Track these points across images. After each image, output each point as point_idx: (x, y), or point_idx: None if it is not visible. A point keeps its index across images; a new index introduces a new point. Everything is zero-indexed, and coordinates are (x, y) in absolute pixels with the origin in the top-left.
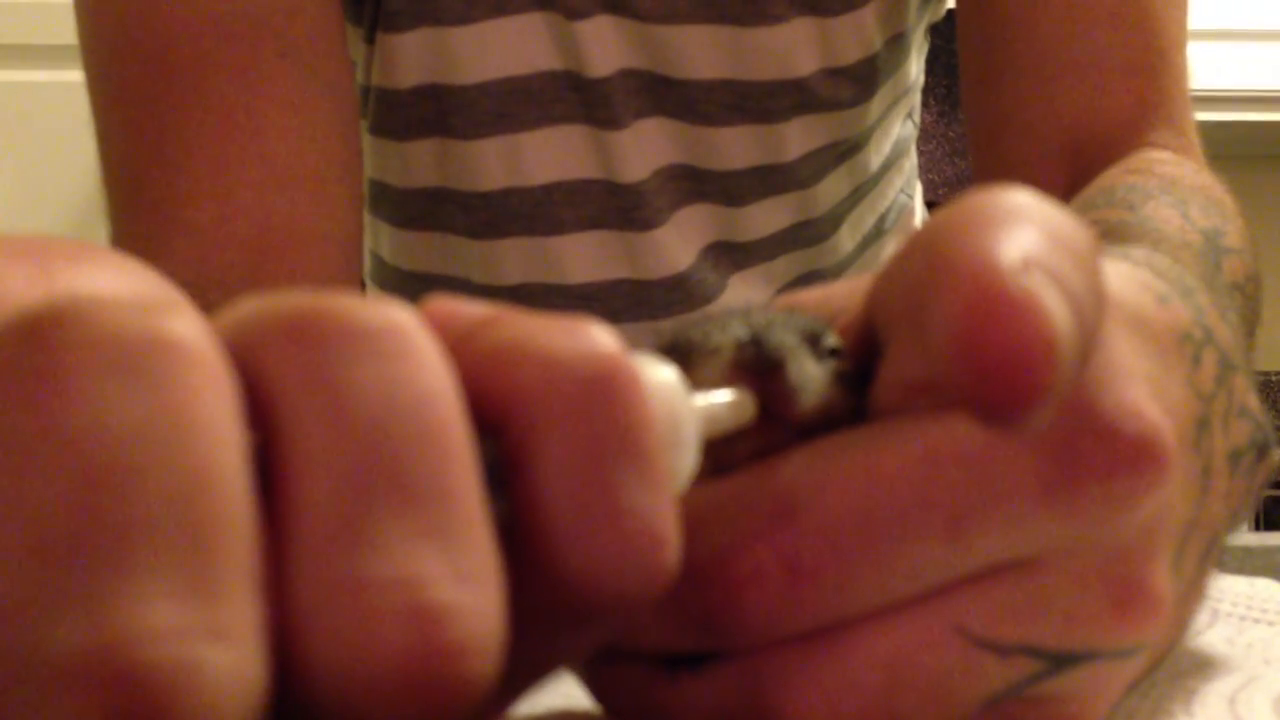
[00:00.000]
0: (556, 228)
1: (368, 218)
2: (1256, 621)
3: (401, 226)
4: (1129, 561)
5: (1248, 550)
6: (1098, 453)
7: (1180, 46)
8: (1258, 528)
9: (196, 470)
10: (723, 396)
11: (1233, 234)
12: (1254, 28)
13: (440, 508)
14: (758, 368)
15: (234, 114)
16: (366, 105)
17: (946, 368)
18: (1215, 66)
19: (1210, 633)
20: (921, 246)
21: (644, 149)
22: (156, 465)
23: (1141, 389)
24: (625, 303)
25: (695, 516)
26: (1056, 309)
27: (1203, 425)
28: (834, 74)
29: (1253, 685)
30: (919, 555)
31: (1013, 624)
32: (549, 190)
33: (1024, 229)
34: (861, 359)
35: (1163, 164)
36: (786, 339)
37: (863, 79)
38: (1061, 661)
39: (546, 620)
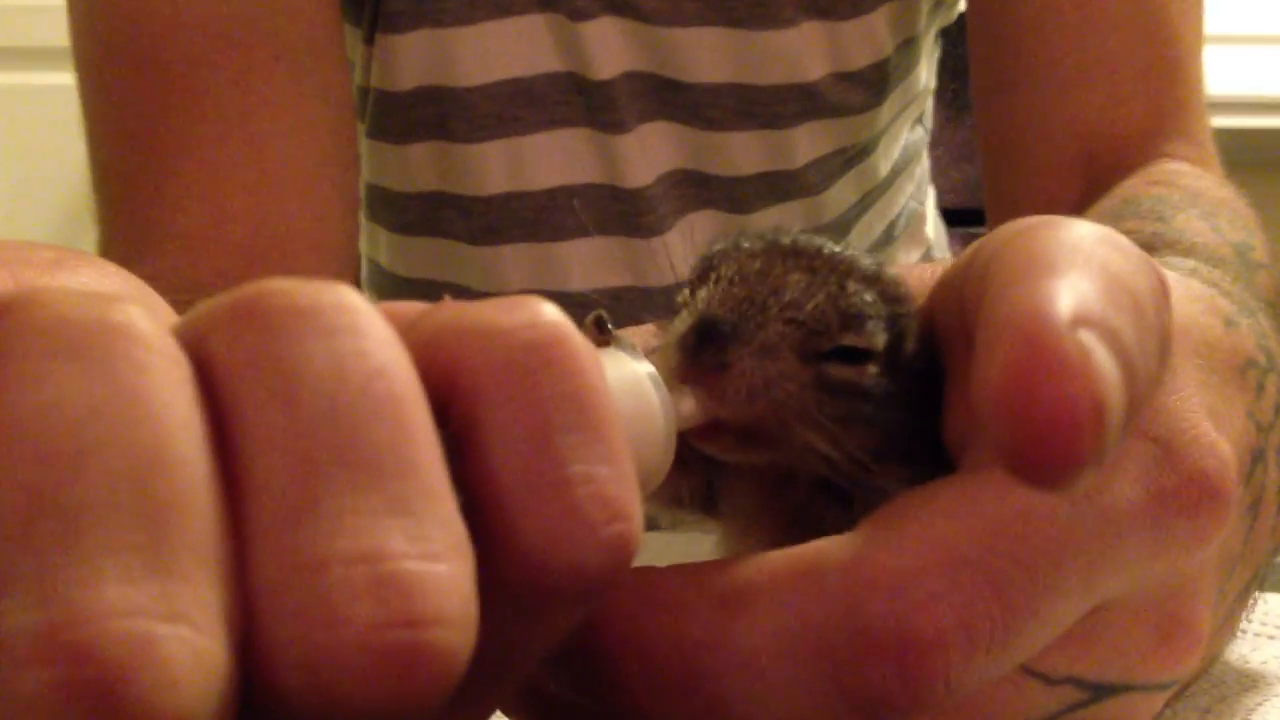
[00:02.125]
0: (558, 233)
1: (365, 223)
2: (1271, 639)
3: (400, 232)
4: (1180, 597)
5: None
6: (1185, 491)
7: (1196, 54)
8: None
9: (149, 451)
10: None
11: (1260, 248)
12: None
13: (400, 481)
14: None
15: (227, 117)
16: (365, 108)
17: (992, 425)
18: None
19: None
20: (977, 275)
21: (648, 153)
22: (108, 445)
23: (1212, 423)
24: (628, 310)
25: (808, 585)
26: (1107, 370)
27: (1258, 458)
28: (844, 79)
29: (1269, 704)
30: (1064, 605)
31: (1064, 655)
32: (551, 195)
33: (1080, 276)
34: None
35: (1184, 175)
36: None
37: (873, 84)
38: (1103, 692)
39: (511, 600)
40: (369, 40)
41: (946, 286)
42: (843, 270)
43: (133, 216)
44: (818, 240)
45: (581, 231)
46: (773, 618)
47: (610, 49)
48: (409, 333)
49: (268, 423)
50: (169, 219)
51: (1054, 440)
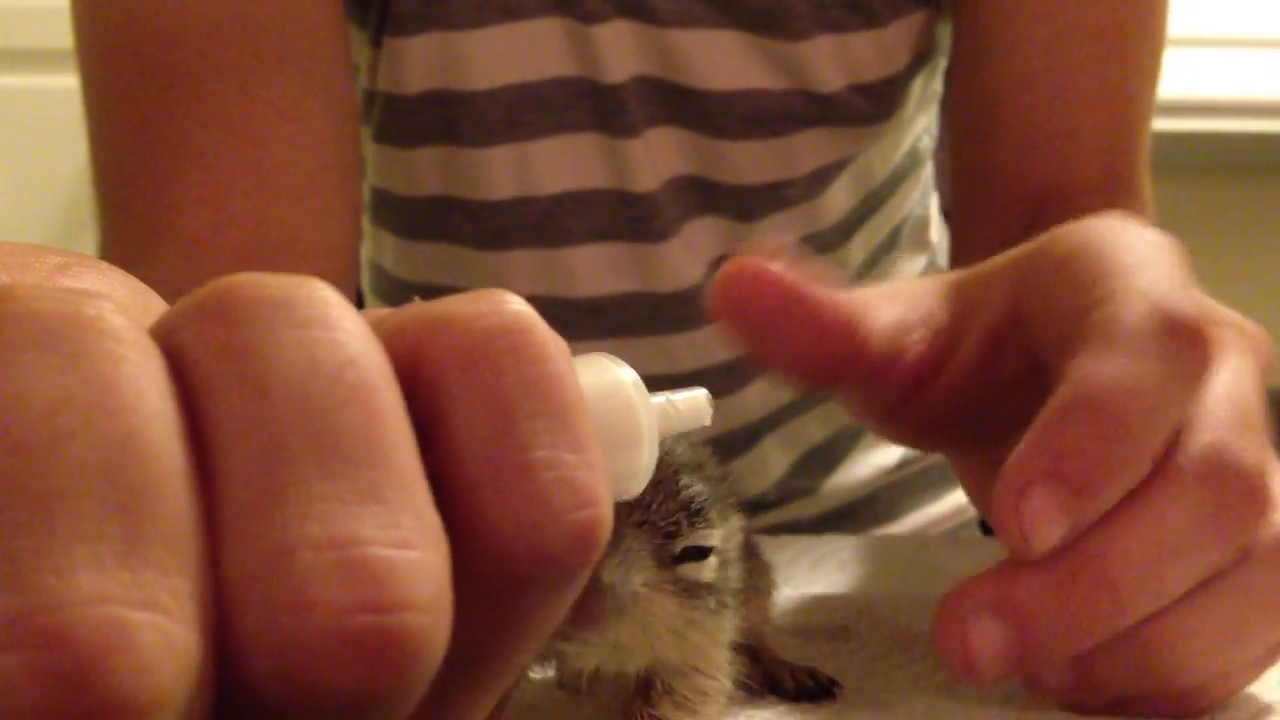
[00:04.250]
0: (566, 239)
1: (370, 227)
2: None
3: (405, 236)
4: None
5: None
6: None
7: (1148, 117)
8: None
9: (121, 440)
10: (681, 395)
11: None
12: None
13: (372, 469)
14: None
15: (231, 120)
16: (371, 111)
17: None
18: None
19: None
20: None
21: (656, 158)
22: (79, 435)
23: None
24: (635, 316)
25: None
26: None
27: None
28: (857, 91)
29: (1269, 716)
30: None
31: None
32: (559, 200)
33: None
34: (938, 358)
35: (1117, 217)
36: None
37: (885, 98)
38: None
39: (480, 588)
40: (376, 43)
41: (1041, 296)
42: (669, 462)
43: (133, 219)
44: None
45: (589, 237)
46: None
47: (622, 52)
48: (377, 328)
49: (238, 411)
50: (169, 222)
51: None
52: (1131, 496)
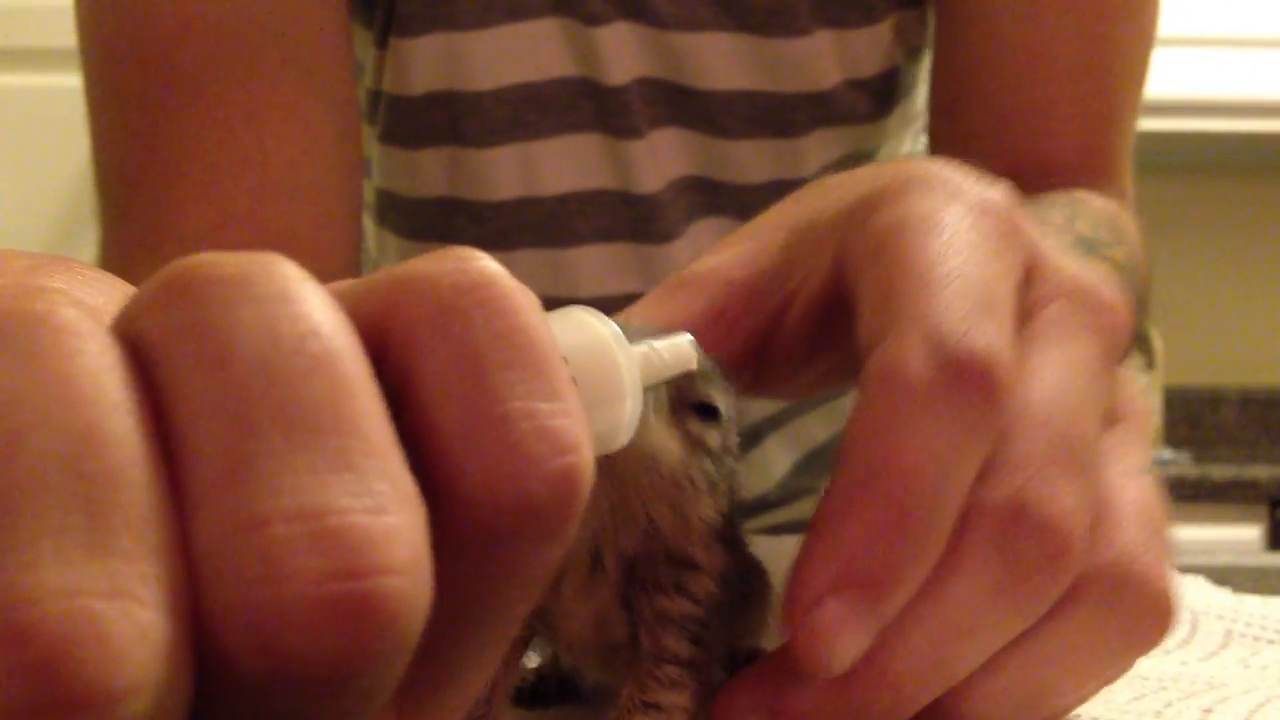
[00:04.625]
0: (570, 240)
1: (374, 228)
2: (1271, 643)
3: (409, 237)
4: None
5: (1262, 571)
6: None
7: (1133, 101)
8: (1274, 548)
9: (80, 432)
10: (664, 342)
11: (1119, 250)
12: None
13: (340, 437)
14: None
15: (233, 120)
16: (376, 112)
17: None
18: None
19: (1225, 654)
20: (862, 245)
21: (660, 159)
22: (37, 430)
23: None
24: None
25: None
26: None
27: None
28: (855, 86)
29: (1269, 705)
30: None
31: None
32: (563, 201)
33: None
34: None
35: (1082, 192)
36: None
37: (882, 93)
38: None
39: (465, 547)
40: (381, 43)
41: (851, 240)
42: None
43: (134, 217)
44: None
45: (593, 238)
46: None
47: (624, 54)
48: (344, 297)
49: (199, 389)
50: (170, 220)
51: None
52: None
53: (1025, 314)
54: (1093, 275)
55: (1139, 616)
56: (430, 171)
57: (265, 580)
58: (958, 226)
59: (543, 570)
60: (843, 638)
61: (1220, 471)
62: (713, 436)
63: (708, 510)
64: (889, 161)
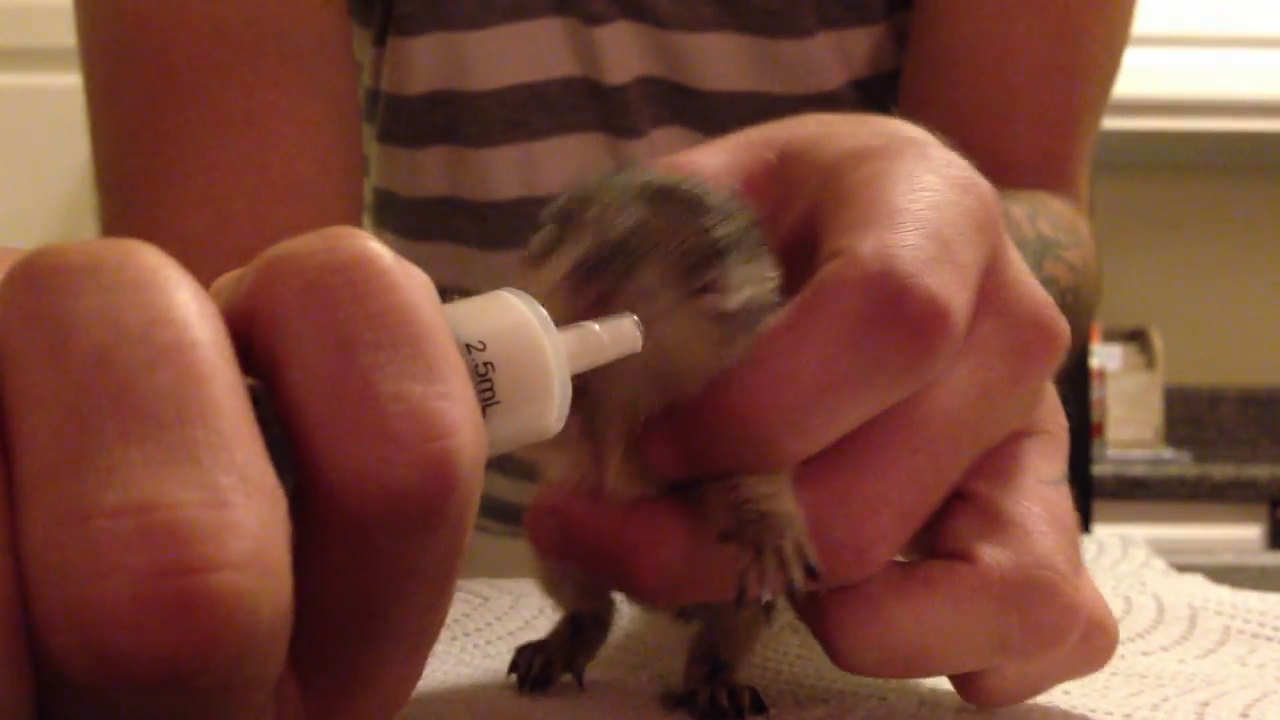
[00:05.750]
0: None
1: (372, 228)
2: (1269, 640)
3: (409, 237)
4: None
5: (1263, 570)
6: (1036, 342)
7: (1096, 108)
8: (1274, 548)
9: None
10: (604, 322)
11: (1074, 253)
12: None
13: (182, 429)
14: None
15: (232, 120)
16: (374, 111)
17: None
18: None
19: (1222, 650)
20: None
21: (661, 160)
22: None
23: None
24: None
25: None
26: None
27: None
28: (857, 88)
29: (1265, 700)
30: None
31: None
32: None
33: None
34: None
35: (1043, 193)
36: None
37: (880, 95)
38: None
39: (342, 537)
40: (379, 42)
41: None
42: (698, 204)
43: (134, 217)
44: (673, 178)
45: None
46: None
47: (624, 54)
48: (224, 285)
49: (35, 380)
50: (170, 220)
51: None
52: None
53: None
54: (1039, 295)
55: (1044, 618)
56: (430, 171)
57: (89, 576)
58: (942, 192)
59: (436, 563)
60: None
61: (1220, 471)
62: (729, 299)
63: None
64: (892, 119)
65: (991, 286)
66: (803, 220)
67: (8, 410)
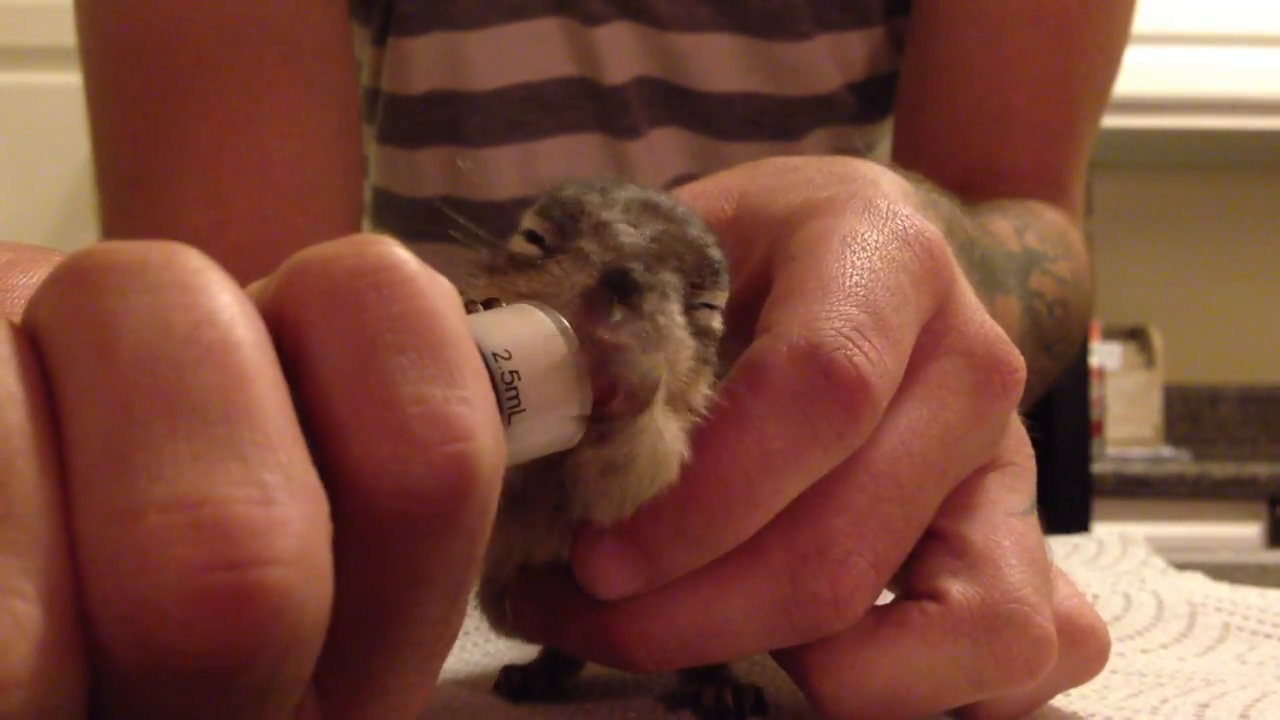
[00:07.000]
0: None
1: (371, 228)
2: (1269, 637)
3: (407, 237)
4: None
5: (1262, 568)
6: (995, 379)
7: (1092, 119)
8: (1274, 546)
9: None
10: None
11: (1063, 265)
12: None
13: (229, 426)
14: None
15: (233, 119)
16: (374, 111)
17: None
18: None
19: (1222, 648)
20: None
21: (659, 160)
22: None
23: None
24: None
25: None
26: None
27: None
28: (854, 90)
29: (1264, 701)
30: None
31: None
32: None
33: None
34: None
35: (1036, 203)
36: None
37: (877, 97)
38: None
39: (362, 536)
40: (379, 42)
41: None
42: (693, 223)
43: (134, 217)
44: (664, 195)
45: None
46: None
47: (623, 54)
48: (263, 290)
49: (86, 376)
50: (170, 219)
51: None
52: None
53: (921, 355)
54: (993, 332)
55: (1017, 651)
56: (429, 171)
57: (139, 571)
58: (880, 250)
59: (450, 570)
60: (612, 576)
61: (1220, 469)
62: (716, 320)
63: (705, 382)
64: (849, 159)
65: (942, 328)
66: (759, 270)
67: (61, 407)
